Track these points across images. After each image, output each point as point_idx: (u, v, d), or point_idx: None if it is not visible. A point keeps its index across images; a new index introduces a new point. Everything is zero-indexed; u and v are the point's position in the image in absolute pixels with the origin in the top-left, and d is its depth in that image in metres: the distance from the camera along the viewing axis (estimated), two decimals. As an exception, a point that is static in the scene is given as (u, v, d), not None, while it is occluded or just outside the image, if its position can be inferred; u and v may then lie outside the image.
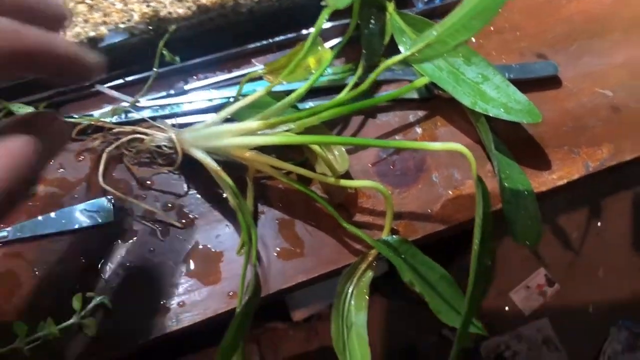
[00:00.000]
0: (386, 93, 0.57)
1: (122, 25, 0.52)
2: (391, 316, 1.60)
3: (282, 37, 0.59)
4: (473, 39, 0.61)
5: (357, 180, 0.53)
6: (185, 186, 0.53)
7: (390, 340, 1.56)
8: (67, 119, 0.53)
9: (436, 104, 0.57)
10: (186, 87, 0.56)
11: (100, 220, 0.51)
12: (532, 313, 1.73)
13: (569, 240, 1.70)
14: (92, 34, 0.52)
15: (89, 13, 0.53)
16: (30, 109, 0.52)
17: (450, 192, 0.54)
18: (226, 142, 0.46)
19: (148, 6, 0.52)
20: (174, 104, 0.53)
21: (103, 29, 0.52)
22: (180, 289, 0.49)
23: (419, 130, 0.56)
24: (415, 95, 0.57)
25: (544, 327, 1.71)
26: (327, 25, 0.60)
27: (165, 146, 0.49)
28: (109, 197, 0.52)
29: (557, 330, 1.66)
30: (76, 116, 0.53)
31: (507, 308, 1.75)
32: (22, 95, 0.53)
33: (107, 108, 0.54)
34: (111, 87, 0.55)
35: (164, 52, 0.50)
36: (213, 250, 0.51)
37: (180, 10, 0.53)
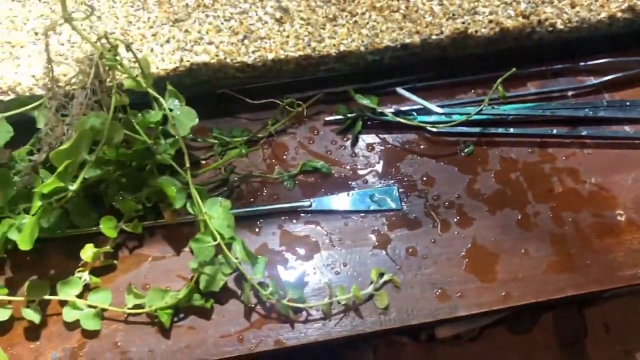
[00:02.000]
0: (660, 132, 0.60)
1: (432, 38, 0.58)
2: (507, 352, 1.59)
3: (559, 65, 0.63)
4: None
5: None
6: (464, 188, 0.58)
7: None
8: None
9: None
10: (466, 99, 0.62)
11: (388, 207, 0.57)
12: (658, 379, 1.66)
13: None
14: (407, 41, 0.58)
15: (403, 22, 0.59)
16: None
17: None
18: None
19: (462, 23, 0.58)
20: (468, 113, 0.58)
21: (416, 38, 0.58)
22: (459, 281, 0.54)
23: (689, 172, 0.59)
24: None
25: (669, 397, 1.63)
26: (604, 60, 0.63)
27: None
28: (395, 186, 0.58)
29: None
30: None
31: (632, 367, 1.69)
32: (295, 92, 0.60)
33: (393, 108, 0.61)
34: (405, 89, 0.61)
35: (500, 87, 0.54)
36: (490, 251, 0.55)
37: (485, 31, 0.59)
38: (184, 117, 0.53)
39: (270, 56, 0.57)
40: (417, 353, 1.50)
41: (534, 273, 0.54)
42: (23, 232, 0.48)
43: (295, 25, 0.59)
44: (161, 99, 0.50)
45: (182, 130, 0.52)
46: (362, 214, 0.57)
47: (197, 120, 0.53)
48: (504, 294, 0.53)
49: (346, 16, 0.59)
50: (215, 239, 0.50)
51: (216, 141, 0.59)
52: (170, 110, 0.52)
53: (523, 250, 0.55)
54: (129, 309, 0.52)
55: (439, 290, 0.53)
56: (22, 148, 0.54)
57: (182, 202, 0.52)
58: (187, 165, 0.51)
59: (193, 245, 0.50)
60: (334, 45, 0.58)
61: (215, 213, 0.51)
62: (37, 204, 0.48)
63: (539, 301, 0.53)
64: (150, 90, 0.49)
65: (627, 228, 0.56)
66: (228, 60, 0.56)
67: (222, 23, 0.59)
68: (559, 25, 0.60)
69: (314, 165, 0.58)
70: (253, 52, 0.57)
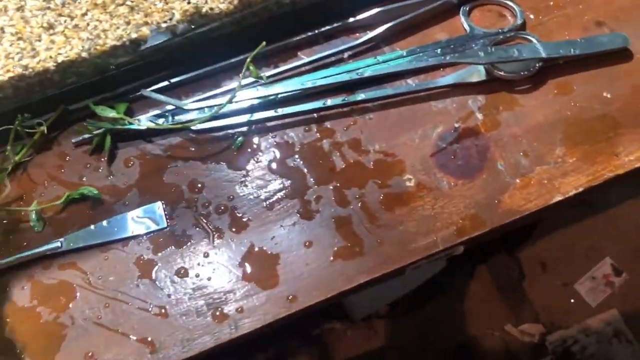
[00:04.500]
0: (443, 77, 0.54)
1: (163, 25, 0.51)
2: (449, 313, 1.56)
3: (328, 27, 0.57)
4: (532, 16, 0.57)
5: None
6: (237, 188, 0.51)
7: (448, 337, 1.52)
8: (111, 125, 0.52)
9: (496, 87, 0.54)
10: (229, 87, 0.54)
11: (152, 227, 0.50)
12: (599, 305, 1.65)
13: (635, 225, 1.60)
14: (134, 35, 0.50)
15: (130, 14, 0.51)
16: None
17: (518, 181, 0.50)
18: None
19: (189, 3, 0.51)
20: (220, 104, 0.51)
21: (145, 30, 0.51)
22: (238, 294, 0.47)
23: (479, 116, 0.53)
24: (473, 79, 0.54)
25: (613, 319, 1.62)
26: (375, 10, 0.57)
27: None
28: (159, 202, 0.50)
29: (629, 323, 1.57)
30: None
31: (572, 300, 1.67)
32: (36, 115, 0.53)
33: (152, 112, 0.53)
34: (155, 91, 0.53)
35: (251, 67, 0.48)
36: (269, 252, 0.48)
37: (222, 6, 0.52)
38: None
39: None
40: (359, 334, 1.44)
41: (319, 267, 0.48)
42: None
43: (4, 43, 0.50)
44: None
45: None
46: (123, 242, 0.50)
47: None
48: (289, 297, 0.47)
49: (65, 21, 0.51)
50: None
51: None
52: None
53: (306, 243, 0.48)
54: None
55: (217, 310, 0.46)
56: None
57: None
58: None
59: None
60: (51, 57, 0.49)
61: None
62: None
63: (329, 297, 0.47)
64: None
65: (417, 193, 0.50)
66: None
67: None
68: (310, -16, 0.53)
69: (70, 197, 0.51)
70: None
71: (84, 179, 0.52)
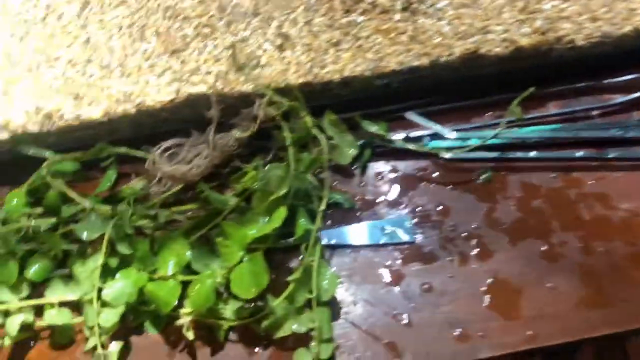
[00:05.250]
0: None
1: (442, 59, 0.55)
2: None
3: (581, 84, 0.59)
4: None
5: None
6: (482, 217, 0.53)
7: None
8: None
9: None
10: (478, 122, 0.58)
11: (400, 239, 0.53)
12: None
13: None
14: (415, 63, 0.55)
15: (410, 44, 0.56)
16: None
17: None
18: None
19: (473, 42, 0.55)
20: (484, 138, 0.55)
21: (425, 60, 0.55)
22: (479, 319, 0.49)
23: None
24: None
25: None
26: (632, 75, 0.58)
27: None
28: (408, 217, 0.54)
29: None
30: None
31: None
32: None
33: (405, 133, 0.57)
34: (415, 114, 0.57)
35: (517, 109, 0.51)
36: (512, 285, 0.50)
37: (498, 50, 0.55)
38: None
39: (271, 84, 0.54)
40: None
41: (562, 309, 0.49)
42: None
43: (296, 52, 0.56)
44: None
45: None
46: (373, 248, 0.53)
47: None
48: (530, 333, 0.48)
49: (350, 40, 0.57)
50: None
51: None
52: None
53: (550, 284, 0.50)
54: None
55: (459, 331, 0.49)
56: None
57: None
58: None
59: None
60: (338, 70, 0.55)
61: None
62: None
63: (571, 342, 0.48)
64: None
65: (665, 258, 0.51)
66: (226, 90, 0.54)
67: (221, 52, 0.56)
68: (580, 42, 0.56)
69: (336, 198, 0.55)
70: (253, 80, 0.54)
71: (337, 183, 0.57)
